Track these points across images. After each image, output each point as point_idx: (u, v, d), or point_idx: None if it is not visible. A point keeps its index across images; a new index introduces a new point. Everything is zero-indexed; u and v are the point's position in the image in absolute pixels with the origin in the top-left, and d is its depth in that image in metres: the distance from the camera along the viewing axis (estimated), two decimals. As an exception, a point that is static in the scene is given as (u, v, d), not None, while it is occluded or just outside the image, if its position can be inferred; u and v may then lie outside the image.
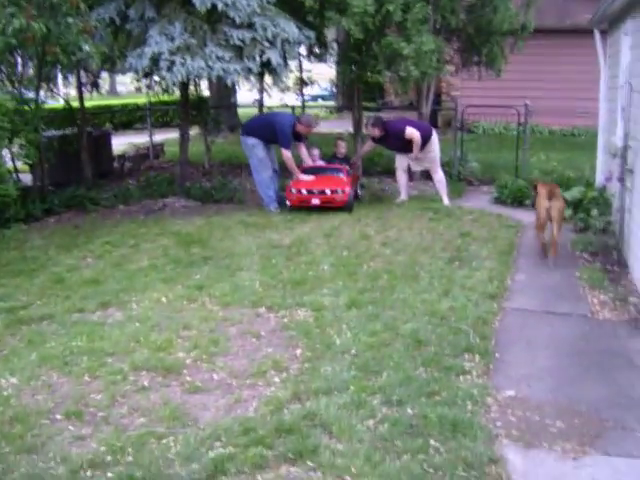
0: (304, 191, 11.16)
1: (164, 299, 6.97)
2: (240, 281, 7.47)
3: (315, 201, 11.08)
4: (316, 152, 12.46)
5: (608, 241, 8.86)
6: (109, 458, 4.17)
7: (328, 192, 11.07)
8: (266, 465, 4.07)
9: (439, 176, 12.14)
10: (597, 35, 12.03)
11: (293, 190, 11.22)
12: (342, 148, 12.56)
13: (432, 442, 4.30)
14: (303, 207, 11.09)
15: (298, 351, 5.70)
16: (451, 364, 5.38)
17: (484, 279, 7.47)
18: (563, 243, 9.07)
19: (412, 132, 11.66)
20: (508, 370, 5.42)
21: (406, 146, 11.89)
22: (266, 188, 11.80)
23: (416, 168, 12.74)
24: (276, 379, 5.20)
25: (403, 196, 12.30)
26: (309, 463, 4.08)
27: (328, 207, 10.97)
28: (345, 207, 11.06)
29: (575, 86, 20.94)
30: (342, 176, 11.57)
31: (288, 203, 11.26)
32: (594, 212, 9.85)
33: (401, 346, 5.69)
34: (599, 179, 11.55)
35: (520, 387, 5.12)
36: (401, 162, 12.31)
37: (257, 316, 6.54)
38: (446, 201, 11.84)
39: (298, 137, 11.96)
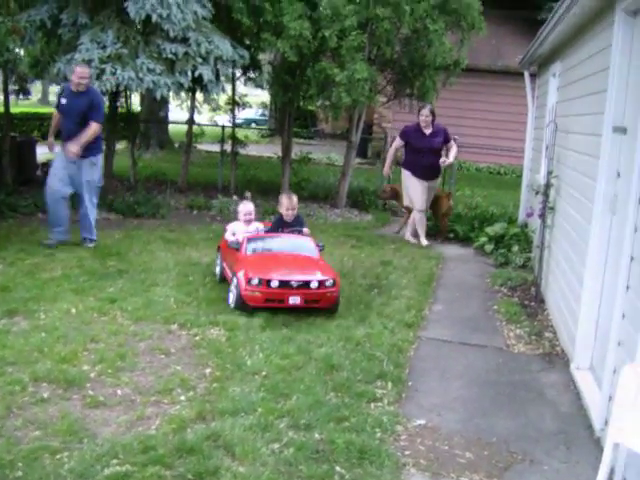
0: (274, 283, 6.81)
1: (74, 310, 6.72)
2: (154, 296, 7.27)
3: (294, 300, 6.85)
4: (250, 209, 8.22)
5: (527, 277, 8.97)
6: (-3, 472, 3.94)
7: (314, 285, 6.92)
8: (163, 485, 3.90)
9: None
10: (527, 76, 12.32)
11: (254, 281, 6.80)
12: (291, 208, 8.02)
13: (338, 468, 4.18)
14: (271, 308, 6.95)
15: (207, 370, 5.53)
16: (363, 390, 5.29)
17: (402, 308, 7.43)
18: (482, 276, 9.18)
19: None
20: (420, 399, 5.36)
21: (433, 160, 10.86)
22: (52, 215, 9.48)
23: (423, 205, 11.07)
24: (182, 397, 5.03)
25: (424, 241, 11.03)
26: (208, 485, 3.92)
27: (310, 308, 6.99)
28: (334, 307, 7.16)
29: (504, 126, 21.37)
30: (316, 255, 7.67)
31: (232, 301, 7.08)
32: (515, 248, 10.00)
33: (313, 370, 5.58)
34: (521, 216, 11.72)
35: (431, 416, 5.06)
36: (419, 196, 10.92)
37: (168, 333, 6.34)
38: (412, 239, 11.17)
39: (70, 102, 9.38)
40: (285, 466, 4.16)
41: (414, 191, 11.01)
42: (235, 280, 7.03)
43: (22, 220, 11.12)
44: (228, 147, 15.07)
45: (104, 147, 12.45)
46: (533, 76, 12.65)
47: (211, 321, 6.63)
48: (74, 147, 9.11)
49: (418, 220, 11.06)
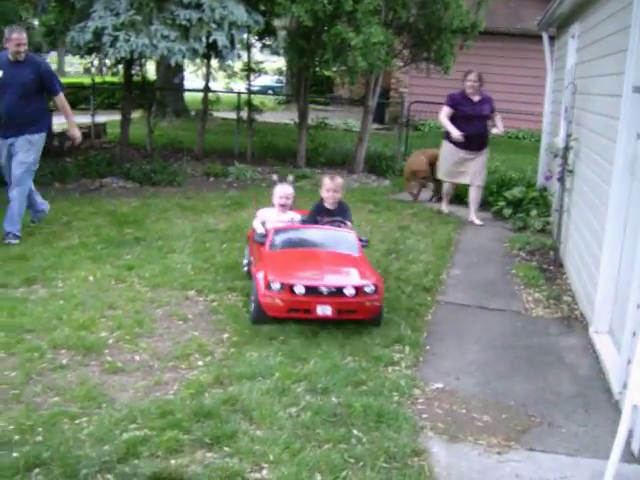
0: (299, 289, 5.57)
1: (91, 278, 6.74)
2: (171, 263, 7.28)
3: (323, 310, 5.59)
4: (288, 191, 6.93)
5: (546, 241, 8.91)
6: (17, 437, 3.95)
7: (349, 291, 5.63)
8: (181, 449, 3.90)
9: (481, 189, 10.55)
10: (545, 38, 12.15)
11: (275, 286, 5.62)
12: (333, 190, 6.77)
13: (355, 432, 4.19)
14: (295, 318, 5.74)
15: (225, 335, 5.55)
16: (380, 354, 5.29)
17: (419, 272, 7.42)
18: (500, 240, 9.13)
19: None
20: (438, 363, 5.35)
21: (481, 128, 10.28)
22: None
23: (461, 179, 10.53)
24: (200, 363, 5.05)
25: (445, 208, 10.78)
26: (226, 449, 3.93)
27: (345, 319, 5.76)
28: (377, 320, 5.88)
29: (522, 90, 21.14)
30: (357, 253, 6.34)
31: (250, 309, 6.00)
32: (533, 212, 9.93)
33: (330, 334, 5.58)
34: (540, 180, 11.63)
35: (449, 380, 5.05)
36: (449, 166, 10.43)
37: (186, 299, 6.36)
38: (478, 221, 10.25)
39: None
40: (302, 429, 4.17)
41: (445, 161, 10.50)
42: (254, 283, 5.93)
43: (39, 190, 11.03)
44: (244, 114, 15.02)
45: (122, 116, 12.45)
46: (552, 39, 12.49)
47: (228, 287, 6.63)
48: (75, 132, 8.41)
49: (445, 188, 10.78)
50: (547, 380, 5.16)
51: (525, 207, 10.26)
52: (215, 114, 20.75)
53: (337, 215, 6.72)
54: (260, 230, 6.55)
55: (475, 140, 10.20)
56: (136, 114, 15.19)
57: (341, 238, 6.45)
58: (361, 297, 5.64)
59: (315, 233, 6.54)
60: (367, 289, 5.66)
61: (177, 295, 6.43)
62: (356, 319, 5.76)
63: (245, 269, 7.01)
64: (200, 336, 5.52)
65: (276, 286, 5.59)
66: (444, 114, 10.32)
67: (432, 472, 3.87)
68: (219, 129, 19.55)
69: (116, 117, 16.00)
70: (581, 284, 6.79)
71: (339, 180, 6.85)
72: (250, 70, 15.12)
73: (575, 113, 8.12)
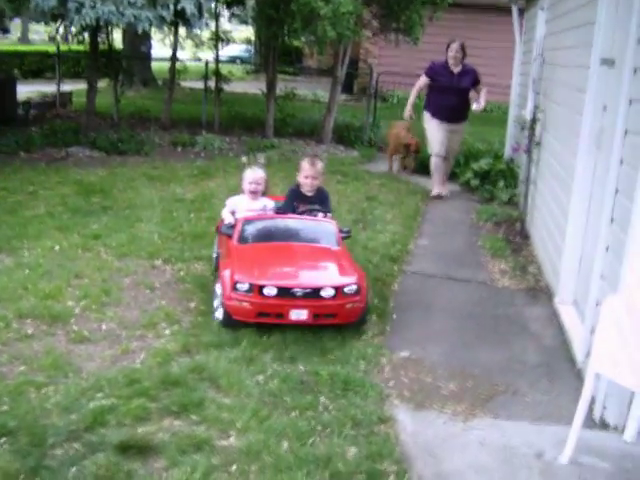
0: (270, 291, 4.96)
1: (57, 247, 6.68)
2: (139, 232, 7.24)
3: (297, 315, 4.97)
4: (259, 176, 6.14)
5: (512, 212, 8.98)
6: (-17, 407, 3.94)
7: (328, 292, 5.03)
8: (148, 417, 3.92)
9: (452, 162, 10.60)
10: (514, 10, 12.16)
11: (242, 287, 4.99)
12: (315, 177, 5.98)
13: (322, 399, 4.23)
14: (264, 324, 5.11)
15: (192, 304, 5.55)
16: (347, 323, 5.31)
17: (386, 242, 7.45)
18: (467, 212, 9.18)
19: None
20: (404, 332, 5.38)
21: (458, 101, 9.92)
22: None
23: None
24: (167, 331, 5.05)
25: (436, 189, 10.08)
26: (193, 417, 3.95)
27: (323, 324, 5.13)
28: (359, 321, 5.28)
29: (491, 62, 21.17)
30: (337, 246, 5.71)
31: (219, 314, 5.20)
32: (500, 184, 9.98)
33: (298, 304, 5.58)
34: (507, 152, 11.69)
35: (415, 349, 5.09)
36: (436, 139, 10.00)
37: (153, 268, 6.34)
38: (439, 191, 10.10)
39: None
40: (270, 397, 4.20)
41: (431, 135, 10.13)
42: (219, 283, 5.30)
43: (3, 159, 10.97)
44: (212, 83, 14.89)
45: (88, 85, 12.29)
46: (521, 11, 12.49)
47: (195, 256, 6.63)
48: None
49: (434, 165, 10.14)
50: (512, 349, 5.22)
51: (492, 179, 10.30)
52: (182, 83, 20.57)
53: (316, 203, 6.01)
54: (229, 220, 5.93)
55: (451, 113, 9.96)
56: (102, 83, 14.98)
57: (318, 229, 5.82)
58: (341, 299, 5.06)
59: (290, 224, 5.83)
60: (348, 289, 5.09)
61: (144, 264, 6.40)
62: (336, 324, 5.15)
63: (214, 261, 6.26)
64: (167, 305, 5.52)
65: (244, 287, 4.99)
66: (418, 83, 10.16)
67: (398, 439, 3.91)
68: (186, 99, 19.38)
69: (82, 86, 15.77)
70: (547, 255, 6.85)
71: (320, 165, 6.07)
72: (218, 39, 14.95)
73: (543, 85, 8.15)
